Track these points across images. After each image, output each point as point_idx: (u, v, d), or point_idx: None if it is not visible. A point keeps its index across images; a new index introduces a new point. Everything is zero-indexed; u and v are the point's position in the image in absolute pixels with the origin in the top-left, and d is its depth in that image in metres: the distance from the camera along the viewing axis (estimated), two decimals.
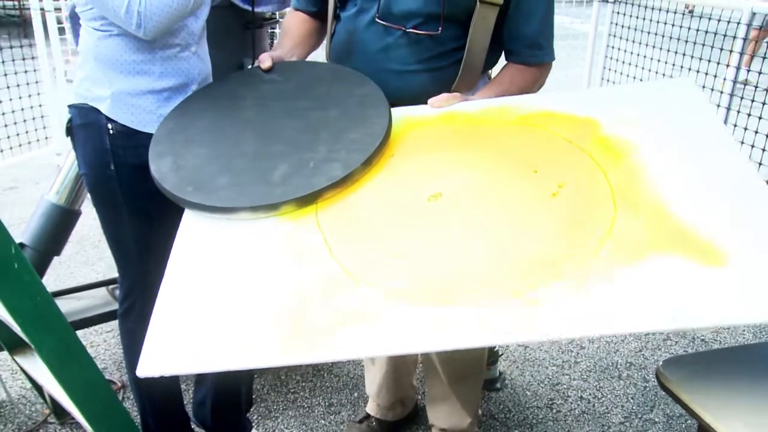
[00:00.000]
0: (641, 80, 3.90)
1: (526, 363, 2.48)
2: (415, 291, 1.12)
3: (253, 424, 2.03)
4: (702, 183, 1.22)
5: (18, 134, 4.19)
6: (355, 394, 2.30)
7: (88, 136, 1.56)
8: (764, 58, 3.53)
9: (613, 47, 4.19)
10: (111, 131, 1.52)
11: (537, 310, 1.05)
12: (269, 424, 2.15)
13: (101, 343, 2.55)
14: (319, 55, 1.78)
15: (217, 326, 1.12)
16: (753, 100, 3.29)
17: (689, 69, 3.56)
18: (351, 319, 1.09)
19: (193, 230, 1.31)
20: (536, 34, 1.59)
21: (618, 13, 4.18)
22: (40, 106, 4.34)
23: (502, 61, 1.69)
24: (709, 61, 3.48)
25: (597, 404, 2.27)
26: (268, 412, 2.21)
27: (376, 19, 1.56)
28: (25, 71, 4.25)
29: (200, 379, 1.95)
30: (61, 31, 4.21)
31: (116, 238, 1.66)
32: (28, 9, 4.75)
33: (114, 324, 2.41)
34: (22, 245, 2.02)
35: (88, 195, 1.70)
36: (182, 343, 1.11)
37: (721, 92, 3.43)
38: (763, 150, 3.21)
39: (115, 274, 1.78)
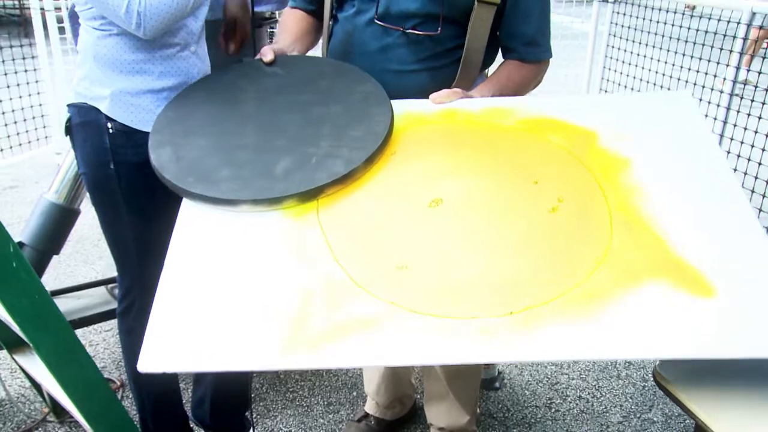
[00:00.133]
0: (641, 80, 3.91)
1: (524, 362, 2.49)
2: (416, 301, 1.14)
3: (252, 423, 2.03)
4: (695, 209, 1.26)
5: (18, 133, 4.19)
6: (354, 393, 2.30)
7: (87, 135, 1.56)
8: (764, 57, 3.53)
9: (613, 47, 4.18)
10: (110, 130, 1.52)
11: (531, 332, 1.09)
12: (268, 423, 2.15)
13: (100, 342, 2.55)
14: (316, 55, 1.78)
15: (219, 325, 1.13)
16: (753, 100, 3.29)
17: (689, 69, 3.56)
18: (354, 328, 1.10)
19: (192, 221, 1.30)
20: (534, 32, 1.60)
21: (618, 12, 4.18)
22: (40, 105, 4.34)
23: (499, 58, 1.69)
24: (709, 60, 3.48)
25: (596, 403, 2.27)
26: (266, 411, 2.21)
27: (375, 20, 1.57)
28: (25, 70, 4.24)
29: (199, 378, 1.95)
30: (62, 30, 4.21)
31: (115, 237, 1.67)
32: (29, 8, 4.75)
33: (113, 323, 2.41)
34: (21, 244, 2.02)
35: (88, 194, 1.70)
36: (183, 339, 1.11)
37: (721, 92, 3.42)
38: (763, 150, 3.20)
39: (115, 273, 1.78)
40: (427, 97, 1.53)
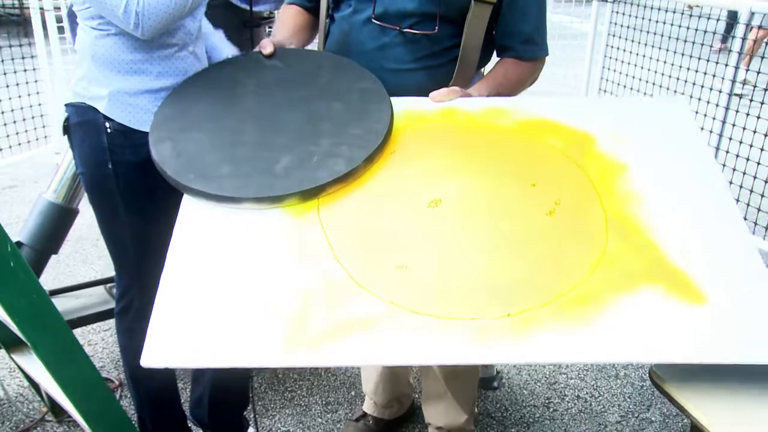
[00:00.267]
0: (641, 80, 3.92)
1: (522, 364, 2.49)
2: (416, 302, 1.15)
3: (250, 423, 2.03)
4: (688, 217, 1.29)
5: (17, 133, 4.19)
6: (352, 393, 2.30)
7: (85, 134, 1.56)
8: (763, 57, 3.53)
9: (612, 47, 4.18)
10: (108, 130, 1.52)
11: (529, 335, 1.10)
12: (266, 423, 2.16)
13: (99, 342, 2.55)
14: None
15: (221, 322, 1.13)
16: (752, 100, 3.29)
17: (688, 69, 3.57)
18: (355, 327, 1.11)
19: (193, 218, 1.30)
20: (531, 30, 1.60)
21: (617, 12, 4.18)
22: (40, 105, 4.34)
23: (495, 57, 1.70)
24: (708, 60, 3.48)
25: (594, 403, 2.27)
26: (265, 410, 2.21)
27: (372, 20, 1.57)
28: (25, 70, 4.24)
29: (197, 377, 1.96)
30: (61, 30, 4.21)
31: (113, 236, 1.67)
32: (28, 8, 4.75)
33: (112, 322, 2.41)
34: (19, 244, 2.02)
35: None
36: (186, 335, 1.12)
37: (720, 92, 3.43)
38: (762, 150, 3.21)
39: (113, 273, 1.78)
40: (425, 96, 1.53)
